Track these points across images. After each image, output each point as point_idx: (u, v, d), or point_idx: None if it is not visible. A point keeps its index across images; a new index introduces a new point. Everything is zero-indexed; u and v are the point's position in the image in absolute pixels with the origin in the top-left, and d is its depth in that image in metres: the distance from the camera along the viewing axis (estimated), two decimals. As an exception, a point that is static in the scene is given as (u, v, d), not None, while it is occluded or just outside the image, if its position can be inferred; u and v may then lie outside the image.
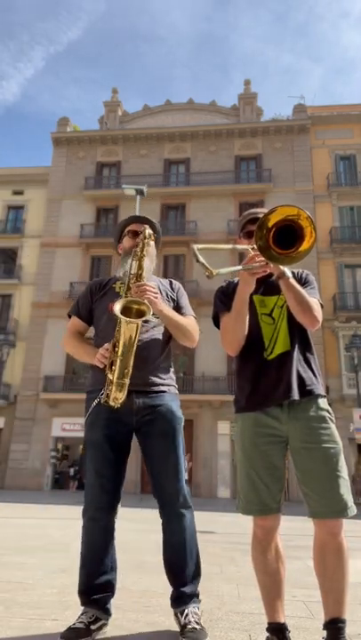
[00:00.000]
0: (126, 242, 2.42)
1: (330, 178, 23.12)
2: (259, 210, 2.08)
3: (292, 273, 1.90)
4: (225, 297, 2.04)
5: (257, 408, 1.88)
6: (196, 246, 1.72)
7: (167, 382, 2.27)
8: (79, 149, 25.53)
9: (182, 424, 2.23)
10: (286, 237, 1.65)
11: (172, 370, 2.36)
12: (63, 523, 7.57)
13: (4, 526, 6.72)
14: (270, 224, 1.64)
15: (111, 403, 2.00)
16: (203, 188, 23.65)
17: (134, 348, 1.97)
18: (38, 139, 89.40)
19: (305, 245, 1.64)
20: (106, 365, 2.07)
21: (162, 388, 2.22)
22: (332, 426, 1.83)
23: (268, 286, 1.99)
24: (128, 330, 1.94)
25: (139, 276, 2.12)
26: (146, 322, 2.12)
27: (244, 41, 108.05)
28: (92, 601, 2.06)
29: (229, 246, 1.97)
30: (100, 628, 2.05)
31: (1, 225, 24.85)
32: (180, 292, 2.47)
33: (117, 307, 1.95)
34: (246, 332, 1.91)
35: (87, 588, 2.09)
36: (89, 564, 2.12)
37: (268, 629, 1.82)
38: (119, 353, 1.97)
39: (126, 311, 1.96)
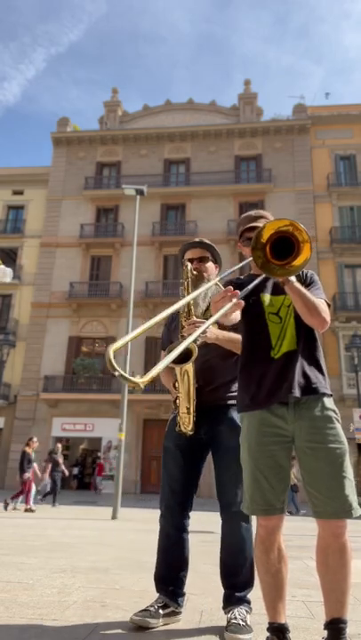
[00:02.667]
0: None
1: (330, 178, 23.11)
2: (254, 214, 2.12)
3: (297, 275, 1.90)
4: None
5: (262, 406, 1.87)
6: (110, 350, 1.18)
7: (231, 396, 2.40)
8: (79, 149, 25.51)
9: None
10: (284, 247, 1.67)
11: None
12: (63, 523, 7.57)
13: (4, 526, 6.72)
14: (264, 240, 1.66)
15: (183, 430, 2.31)
16: (203, 188, 23.63)
17: (191, 385, 2.25)
18: (39, 139, 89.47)
19: (304, 255, 1.65)
20: (173, 399, 2.35)
21: (226, 402, 2.38)
22: (338, 426, 1.83)
23: (276, 286, 1.99)
24: (181, 372, 2.21)
25: (188, 313, 2.28)
26: (206, 346, 2.27)
27: (245, 42, 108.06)
28: (162, 589, 2.32)
29: (159, 317, 1.46)
30: (171, 614, 2.25)
31: (1, 225, 24.83)
32: None
33: (167, 354, 2.08)
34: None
35: (158, 577, 2.37)
36: (161, 556, 2.39)
37: (268, 629, 1.81)
38: (180, 391, 2.27)
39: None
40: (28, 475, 10.62)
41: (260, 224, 2.03)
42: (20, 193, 25.39)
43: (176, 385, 2.31)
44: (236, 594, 2.20)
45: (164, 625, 2.19)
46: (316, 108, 24.95)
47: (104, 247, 23.28)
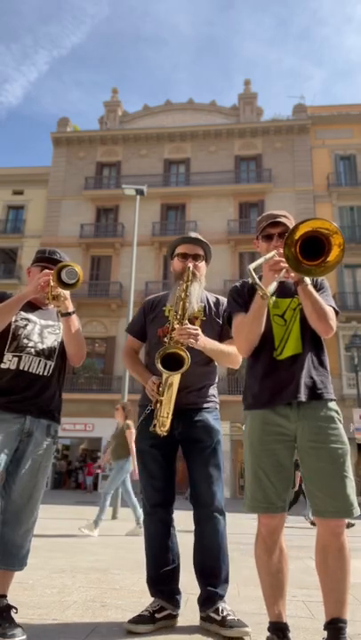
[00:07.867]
0: (176, 264, 2.53)
1: (330, 178, 23.11)
2: (278, 212, 2.08)
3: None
4: (239, 297, 2.06)
5: (264, 406, 1.89)
6: (250, 267, 1.70)
7: (206, 399, 2.44)
8: (79, 149, 25.51)
9: (220, 436, 2.42)
10: (312, 248, 1.65)
11: (212, 387, 2.52)
12: (63, 523, 7.57)
13: (4, 526, 6.69)
14: (297, 236, 1.63)
15: (158, 432, 2.27)
16: (203, 188, 23.63)
17: (174, 392, 2.23)
18: (39, 140, 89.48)
19: (334, 254, 1.64)
20: (153, 401, 2.33)
21: (200, 406, 2.40)
22: (340, 426, 1.84)
23: (282, 288, 1.99)
24: (170, 379, 2.20)
25: (182, 317, 2.27)
26: (190, 350, 2.25)
27: (247, 44, 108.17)
28: (157, 591, 2.26)
29: (272, 254, 1.91)
30: (167, 617, 2.20)
31: (1, 225, 24.83)
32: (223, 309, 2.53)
33: (159, 358, 2.13)
34: (261, 334, 1.92)
35: (151, 579, 2.31)
36: (151, 556, 2.34)
37: (269, 629, 1.82)
38: (163, 395, 2.24)
39: (169, 356, 2.15)
40: None
41: (283, 221, 2.01)
42: (20, 193, 25.39)
43: (160, 390, 2.28)
44: (219, 592, 2.21)
45: (159, 629, 2.14)
46: (316, 108, 24.94)
47: (104, 247, 23.27)
